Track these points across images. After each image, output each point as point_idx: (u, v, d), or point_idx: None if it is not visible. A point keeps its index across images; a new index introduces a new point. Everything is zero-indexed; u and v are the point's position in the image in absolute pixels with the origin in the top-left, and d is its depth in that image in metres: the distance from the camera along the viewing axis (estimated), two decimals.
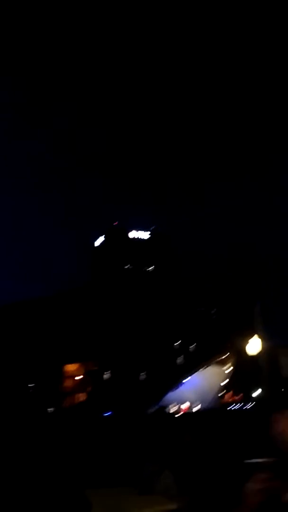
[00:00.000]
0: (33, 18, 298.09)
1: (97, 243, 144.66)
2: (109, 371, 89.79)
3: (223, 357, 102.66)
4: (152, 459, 7.29)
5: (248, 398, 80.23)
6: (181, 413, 66.69)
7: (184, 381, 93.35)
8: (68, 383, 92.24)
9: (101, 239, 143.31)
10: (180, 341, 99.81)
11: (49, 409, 72.52)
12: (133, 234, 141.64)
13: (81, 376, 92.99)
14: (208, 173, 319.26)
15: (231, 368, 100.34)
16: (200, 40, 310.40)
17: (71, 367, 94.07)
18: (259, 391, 66.95)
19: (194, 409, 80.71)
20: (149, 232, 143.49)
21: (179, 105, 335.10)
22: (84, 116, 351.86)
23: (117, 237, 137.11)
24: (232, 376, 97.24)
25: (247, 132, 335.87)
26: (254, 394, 73.85)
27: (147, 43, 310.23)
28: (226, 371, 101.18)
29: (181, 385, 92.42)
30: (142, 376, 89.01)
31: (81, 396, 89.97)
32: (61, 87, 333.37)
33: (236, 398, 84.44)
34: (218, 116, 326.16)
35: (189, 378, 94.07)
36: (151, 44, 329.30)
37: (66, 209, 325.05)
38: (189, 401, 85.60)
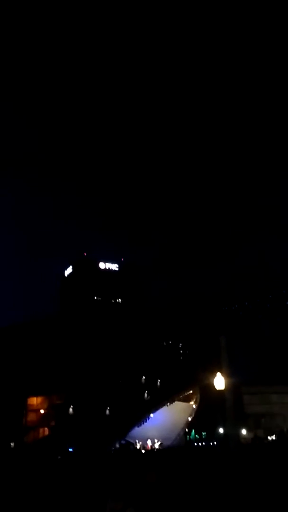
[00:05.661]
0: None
1: (66, 273, 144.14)
2: (73, 406, 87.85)
3: (188, 393, 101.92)
4: (114, 497, 7.31)
5: (212, 435, 79.65)
6: (146, 450, 65.73)
7: (149, 417, 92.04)
8: (31, 416, 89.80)
9: (69, 269, 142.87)
10: (145, 376, 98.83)
11: (11, 443, 70.42)
12: (102, 265, 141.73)
13: (45, 410, 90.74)
14: (178, 205, 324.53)
15: (196, 404, 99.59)
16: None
17: (35, 401, 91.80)
18: (223, 428, 66.60)
19: (159, 446, 79.49)
20: (117, 265, 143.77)
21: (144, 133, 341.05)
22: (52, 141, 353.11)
23: (86, 268, 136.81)
24: (197, 412, 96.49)
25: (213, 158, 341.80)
26: (219, 431, 73.42)
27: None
28: (191, 408, 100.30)
29: (146, 421, 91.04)
30: (107, 411, 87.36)
31: (45, 431, 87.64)
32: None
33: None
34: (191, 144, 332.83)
35: (153, 414, 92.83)
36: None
37: (34, 238, 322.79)
38: (154, 438, 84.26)
